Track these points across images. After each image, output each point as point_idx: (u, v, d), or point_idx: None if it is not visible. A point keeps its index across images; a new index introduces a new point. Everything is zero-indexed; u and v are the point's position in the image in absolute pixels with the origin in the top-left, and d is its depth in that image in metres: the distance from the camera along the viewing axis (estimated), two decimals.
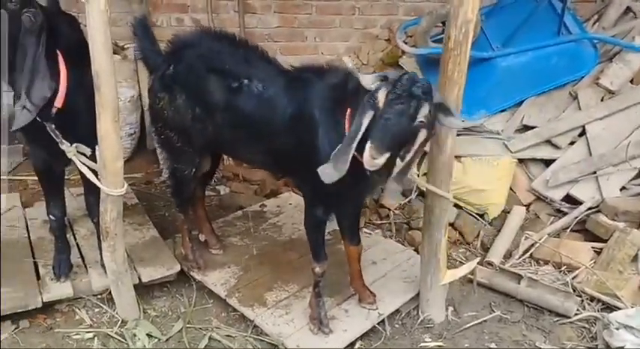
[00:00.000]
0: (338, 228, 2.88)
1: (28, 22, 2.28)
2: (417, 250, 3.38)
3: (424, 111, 2.03)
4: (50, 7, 2.80)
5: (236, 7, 4.66)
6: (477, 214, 3.75)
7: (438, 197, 2.67)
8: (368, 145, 1.98)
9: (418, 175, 3.42)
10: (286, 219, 3.66)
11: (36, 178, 3.98)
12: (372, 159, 1.97)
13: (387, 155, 1.98)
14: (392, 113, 2.00)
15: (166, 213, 3.88)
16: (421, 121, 2.03)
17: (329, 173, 2.12)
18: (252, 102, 2.55)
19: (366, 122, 2.05)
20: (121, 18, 4.46)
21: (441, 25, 4.04)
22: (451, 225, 3.59)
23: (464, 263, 3.22)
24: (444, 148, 2.59)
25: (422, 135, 2.08)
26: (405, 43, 4.19)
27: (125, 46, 4.52)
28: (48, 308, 2.82)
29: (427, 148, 3.66)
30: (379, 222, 3.81)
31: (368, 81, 2.12)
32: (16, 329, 2.71)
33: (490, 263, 3.33)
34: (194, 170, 2.91)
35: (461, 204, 3.74)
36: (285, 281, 3.04)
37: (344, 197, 2.47)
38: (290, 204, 3.86)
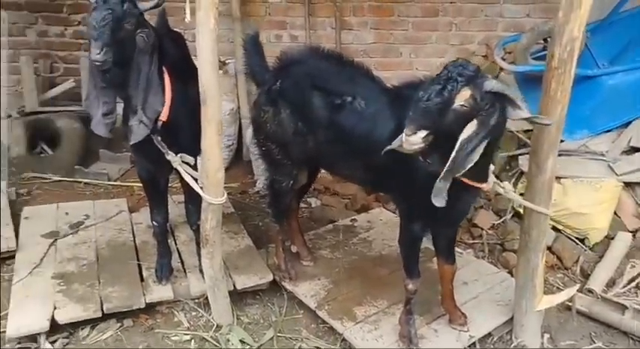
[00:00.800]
0: (428, 246, 2.85)
1: (142, 42, 2.45)
2: (510, 273, 3.27)
3: (464, 94, 2.02)
4: (159, 26, 3.00)
5: (333, 23, 4.76)
6: (576, 238, 3.58)
7: (536, 218, 2.58)
8: None
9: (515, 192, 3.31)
10: (376, 234, 3.67)
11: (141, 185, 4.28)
12: (405, 136, 2.03)
13: (421, 134, 2.01)
14: (425, 91, 2.05)
15: (260, 223, 4.00)
16: (462, 105, 2.02)
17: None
18: (354, 119, 2.60)
19: None
20: (224, 35, 4.67)
21: (542, 41, 3.92)
22: (549, 248, 3.44)
23: (561, 290, 3.09)
24: (544, 168, 2.50)
25: (471, 125, 2.04)
26: (503, 60, 4.10)
27: (226, 62, 4.73)
28: (149, 309, 2.98)
29: (525, 168, 3.62)
30: (471, 241, 3.73)
31: None
32: (120, 327, 2.88)
33: (590, 291, 3.16)
34: (292, 182, 3.00)
35: (560, 227, 3.59)
36: (375, 296, 3.04)
37: (443, 213, 2.45)
38: (380, 219, 3.86)
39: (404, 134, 2.04)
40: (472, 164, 2.09)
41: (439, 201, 2.15)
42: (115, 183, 4.45)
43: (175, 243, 3.44)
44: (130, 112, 2.59)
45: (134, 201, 4.11)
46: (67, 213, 3.72)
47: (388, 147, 2.23)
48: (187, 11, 2.39)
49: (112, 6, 2.36)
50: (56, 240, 3.40)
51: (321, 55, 2.88)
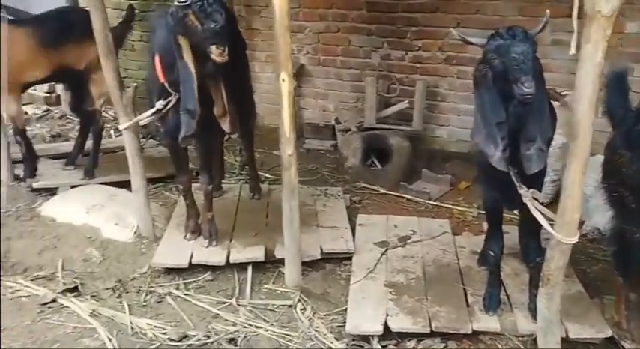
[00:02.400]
0: None
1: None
2: None
3: None
4: None
5: None
6: None
7: None
8: None
9: None
10: None
11: (460, 208, 4.36)
12: None
13: None
14: None
15: (587, 269, 3.68)
16: None
17: None
18: None
19: None
20: (562, 65, 4.44)
21: None
22: None
23: None
24: None
25: None
26: None
27: (562, 93, 4.49)
28: (472, 335, 2.96)
29: None
30: None
31: None
32: (444, 347, 2.92)
33: None
34: None
35: None
36: None
37: None
38: None
39: None
40: None
41: None
42: (434, 203, 4.56)
43: (499, 275, 3.37)
44: (524, 141, 2.58)
45: (453, 224, 4.16)
46: (395, 226, 3.96)
47: None
48: (573, 44, 2.32)
49: (525, 39, 2.42)
50: (387, 249, 3.65)
51: None
